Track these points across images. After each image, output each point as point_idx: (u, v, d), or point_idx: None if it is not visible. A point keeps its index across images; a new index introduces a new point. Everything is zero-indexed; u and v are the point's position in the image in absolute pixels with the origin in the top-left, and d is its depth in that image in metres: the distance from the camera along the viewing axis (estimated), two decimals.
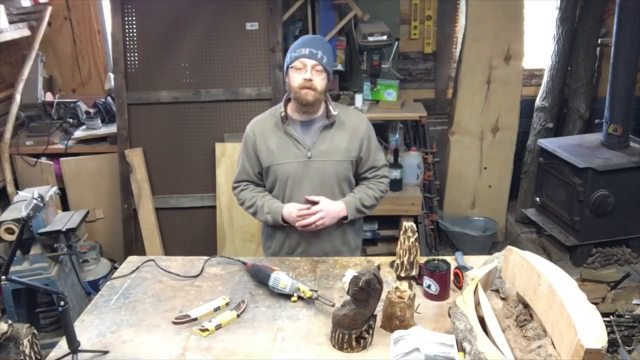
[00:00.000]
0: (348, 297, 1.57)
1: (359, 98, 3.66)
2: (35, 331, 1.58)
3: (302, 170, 2.08)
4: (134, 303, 1.84)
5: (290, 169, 2.09)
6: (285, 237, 2.17)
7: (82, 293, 2.99)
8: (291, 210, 2.05)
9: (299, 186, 2.09)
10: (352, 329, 1.54)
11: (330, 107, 2.11)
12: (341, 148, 2.10)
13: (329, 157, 2.09)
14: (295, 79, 2.01)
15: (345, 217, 2.11)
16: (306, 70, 1.99)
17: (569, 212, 3.42)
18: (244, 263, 2.02)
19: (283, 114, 2.09)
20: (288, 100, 2.12)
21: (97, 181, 3.69)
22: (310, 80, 1.99)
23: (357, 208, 2.12)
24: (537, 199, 3.74)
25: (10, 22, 3.40)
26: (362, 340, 1.56)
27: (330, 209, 2.06)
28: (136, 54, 3.49)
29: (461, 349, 1.42)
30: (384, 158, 2.26)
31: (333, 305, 1.69)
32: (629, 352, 2.65)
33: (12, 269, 2.39)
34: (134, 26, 3.46)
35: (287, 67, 2.06)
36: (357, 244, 2.29)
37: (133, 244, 3.61)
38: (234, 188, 2.25)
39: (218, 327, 1.68)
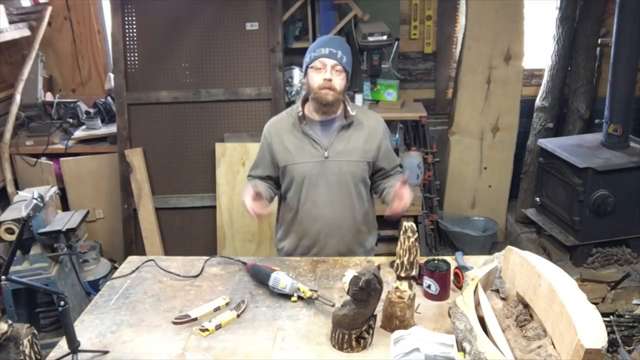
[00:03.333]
0: (348, 297, 1.57)
1: (359, 98, 3.66)
2: (35, 331, 1.58)
3: (318, 170, 2.08)
4: (134, 303, 1.84)
5: (306, 169, 2.08)
6: (300, 237, 2.17)
7: (82, 293, 2.99)
8: (246, 200, 1.95)
9: (315, 186, 2.09)
10: (352, 329, 1.54)
11: (349, 108, 2.10)
12: (358, 148, 2.09)
13: (346, 157, 2.08)
14: (315, 79, 2.00)
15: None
16: (326, 70, 1.99)
17: (569, 212, 3.42)
18: (244, 263, 2.02)
19: (300, 113, 2.08)
20: (305, 100, 2.12)
21: (97, 181, 3.69)
22: (330, 80, 1.98)
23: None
24: (537, 199, 3.74)
25: (10, 22, 3.40)
26: (362, 340, 1.56)
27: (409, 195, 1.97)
28: (136, 54, 3.49)
29: (461, 349, 1.42)
30: None
31: (333, 305, 1.69)
32: (629, 352, 2.65)
33: (12, 269, 2.39)
34: (134, 26, 3.46)
35: (307, 67, 2.05)
36: (372, 246, 2.28)
37: (133, 244, 3.61)
38: (248, 176, 2.26)
39: (218, 327, 1.68)
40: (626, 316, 2.82)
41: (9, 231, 2.65)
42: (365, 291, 1.51)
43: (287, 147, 2.10)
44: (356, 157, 2.10)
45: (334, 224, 2.11)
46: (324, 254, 2.14)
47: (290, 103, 3.50)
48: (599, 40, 3.90)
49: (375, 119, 2.19)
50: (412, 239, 1.61)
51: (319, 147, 2.07)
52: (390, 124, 3.81)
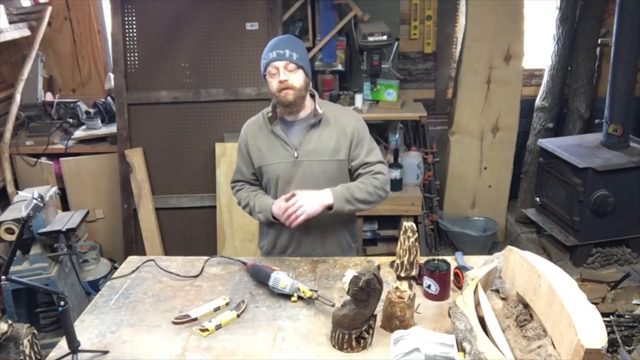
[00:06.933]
0: (348, 297, 1.57)
1: (359, 98, 3.66)
2: (35, 331, 1.59)
3: (290, 170, 2.08)
4: (134, 303, 1.84)
5: (279, 170, 2.09)
6: (276, 236, 2.17)
7: (82, 293, 2.99)
8: (280, 205, 1.99)
9: (288, 186, 2.08)
10: (352, 329, 1.54)
11: (317, 106, 2.09)
12: (329, 147, 2.07)
13: (317, 156, 2.07)
14: (272, 84, 2.01)
15: (330, 207, 2.00)
16: (279, 73, 1.99)
17: (569, 212, 3.42)
18: (244, 263, 2.02)
19: (270, 114, 2.10)
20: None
21: (97, 181, 3.69)
22: (285, 80, 1.98)
23: (346, 197, 2.00)
24: (537, 199, 3.74)
25: (10, 22, 3.40)
26: (362, 340, 1.56)
27: (309, 195, 1.96)
28: (136, 54, 3.49)
29: (461, 349, 1.42)
30: (380, 155, 2.16)
31: (333, 305, 1.69)
32: (629, 352, 2.65)
33: (12, 269, 2.38)
34: (134, 26, 3.47)
35: (264, 76, 2.06)
36: (350, 246, 2.25)
37: (133, 244, 3.61)
38: (232, 188, 2.26)
39: (218, 327, 1.68)
40: (626, 316, 2.82)
41: (9, 231, 2.65)
42: (365, 291, 1.52)
43: (260, 148, 2.11)
44: (327, 157, 2.07)
45: (308, 223, 2.05)
46: (300, 253, 2.14)
47: None
48: (599, 40, 3.90)
49: (347, 115, 2.15)
50: (412, 239, 1.61)
51: (289, 147, 2.07)
52: (390, 124, 3.82)
